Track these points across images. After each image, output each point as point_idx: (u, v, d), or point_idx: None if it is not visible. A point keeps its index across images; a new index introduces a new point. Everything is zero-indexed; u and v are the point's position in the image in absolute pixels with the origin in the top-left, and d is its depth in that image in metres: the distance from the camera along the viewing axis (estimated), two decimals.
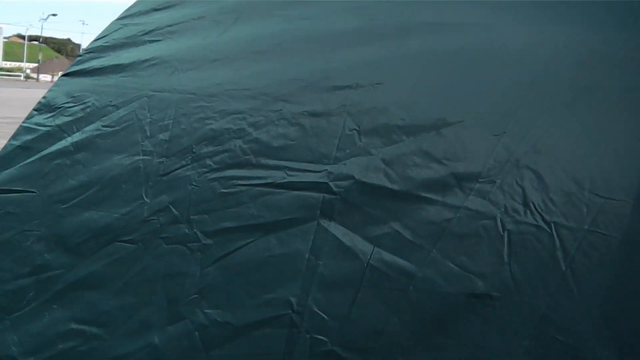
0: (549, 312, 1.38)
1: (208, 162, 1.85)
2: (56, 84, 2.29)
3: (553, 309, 1.37)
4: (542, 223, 1.43)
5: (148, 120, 2.01)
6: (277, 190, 1.72)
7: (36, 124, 2.21)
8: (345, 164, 1.68)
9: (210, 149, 1.87)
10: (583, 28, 1.75)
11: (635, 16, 1.74)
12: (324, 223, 1.64)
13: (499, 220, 1.47)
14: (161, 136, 1.96)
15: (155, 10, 2.34)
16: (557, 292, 1.38)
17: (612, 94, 1.54)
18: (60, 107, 2.21)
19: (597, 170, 1.46)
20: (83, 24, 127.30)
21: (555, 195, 1.45)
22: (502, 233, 1.46)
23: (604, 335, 1.35)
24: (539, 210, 1.44)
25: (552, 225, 1.43)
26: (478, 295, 1.43)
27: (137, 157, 1.97)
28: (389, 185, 1.61)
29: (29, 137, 2.20)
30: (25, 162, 2.15)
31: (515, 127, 1.56)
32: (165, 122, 1.98)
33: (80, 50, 2.36)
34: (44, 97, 2.28)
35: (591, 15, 1.79)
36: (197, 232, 1.78)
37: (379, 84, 1.77)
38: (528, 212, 1.45)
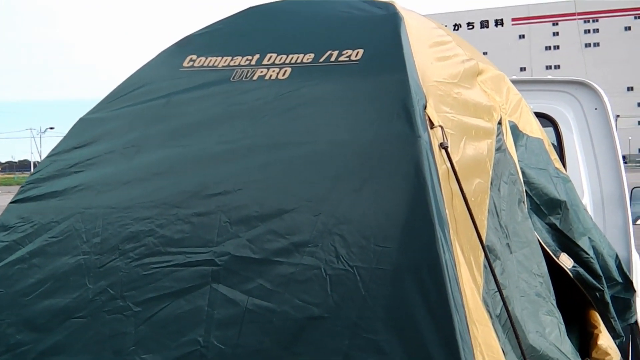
0: (357, 320, 2.04)
1: (131, 254, 2.43)
2: (7, 210, 2.77)
3: (360, 318, 2.04)
4: (347, 267, 2.13)
5: (83, 230, 2.56)
6: (181, 268, 2.34)
7: None
8: (223, 245, 2.32)
9: (131, 245, 2.45)
10: (360, 127, 2.48)
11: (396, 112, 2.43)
12: (214, 285, 2.27)
13: (322, 269, 2.16)
14: (94, 240, 2.52)
15: (75, 148, 2.87)
16: (361, 308, 2.06)
17: (383, 180, 2.33)
18: (13, 227, 2.70)
19: (376, 229, 2.18)
20: None
21: (354, 248, 2.15)
22: (324, 276, 2.14)
23: (390, 328, 2.02)
24: (345, 259, 2.14)
25: (354, 267, 2.12)
26: (315, 317, 2.10)
27: (78, 257, 2.51)
28: (252, 255, 2.28)
29: None
30: None
31: (327, 208, 2.27)
32: (96, 230, 2.53)
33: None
34: None
35: (362, 114, 2.52)
36: (129, 304, 2.34)
37: (240, 189, 2.44)
38: (339, 261, 2.14)
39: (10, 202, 2.82)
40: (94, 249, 2.52)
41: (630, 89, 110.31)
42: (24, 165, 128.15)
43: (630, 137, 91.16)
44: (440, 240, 2.08)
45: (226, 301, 2.25)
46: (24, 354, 2.44)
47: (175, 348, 2.24)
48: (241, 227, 2.36)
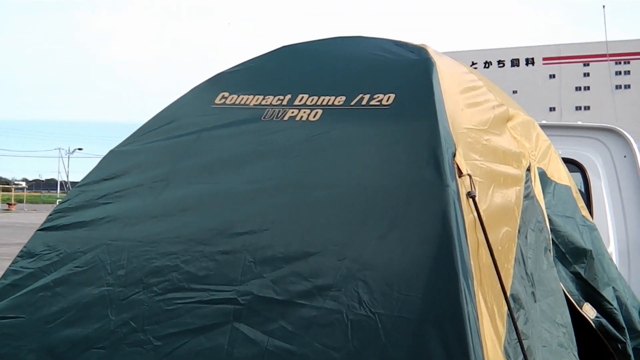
0: None
1: (154, 288, 2.45)
2: (34, 237, 2.82)
3: None
4: (369, 313, 2.13)
5: (108, 261, 2.59)
6: (203, 305, 2.35)
7: (21, 267, 2.74)
8: (247, 285, 2.34)
9: (155, 279, 2.47)
10: (389, 172, 2.51)
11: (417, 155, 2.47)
12: (236, 324, 2.27)
13: (344, 314, 2.16)
14: (119, 272, 2.54)
15: (105, 180, 2.91)
16: (381, 355, 2.06)
17: (410, 227, 2.34)
18: (39, 254, 2.74)
19: (400, 277, 2.19)
20: None
21: (377, 295, 2.16)
22: (346, 321, 2.15)
23: None
24: (367, 305, 2.14)
25: (376, 314, 2.12)
26: None
27: (102, 288, 2.53)
28: (275, 297, 2.29)
29: (16, 277, 2.72)
30: (14, 295, 2.66)
31: (351, 253, 2.29)
32: (121, 262, 2.56)
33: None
34: (24, 247, 2.81)
35: (391, 160, 2.54)
36: (150, 337, 2.36)
37: (266, 230, 2.45)
38: (361, 307, 2.15)
39: (38, 230, 2.87)
40: (118, 281, 2.54)
41: None
42: (50, 184, 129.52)
43: None
44: (464, 292, 2.08)
45: (247, 341, 2.25)
46: None
47: None
48: (265, 268, 2.37)
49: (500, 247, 2.48)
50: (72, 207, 2.88)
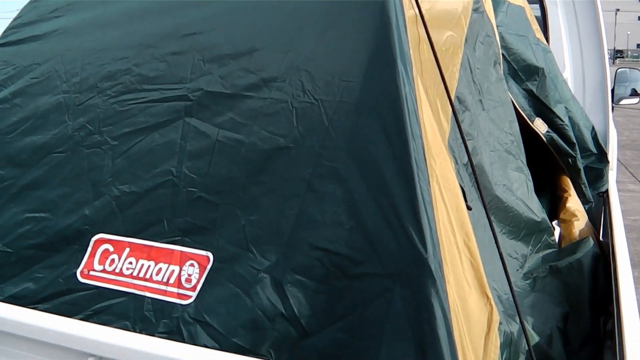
0: (320, 150, 2.12)
1: (108, 92, 2.53)
2: None
3: (323, 147, 2.12)
4: (313, 100, 2.20)
5: (63, 70, 2.66)
6: (155, 104, 2.43)
7: None
8: (197, 82, 2.41)
9: (109, 83, 2.55)
10: None
11: None
12: (187, 119, 2.36)
13: (289, 102, 2.23)
14: (74, 80, 2.62)
15: None
16: (324, 138, 2.14)
17: (349, 23, 2.33)
18: None
19: (342, 66, 2.23)
20: None
21: (320, 83, 2.22)
22: (291, 109, 2.22)
23: (350, 157, 2.09)
24: (311, 93, 2.21)
25: (319, 100, 2.19)
26: (281, 147, 2.18)
27: (59, 96, 2.61)
28: (224, 90, 2.36)
29: None
30: None
31: (295, 46, 2.34)
32: (75, 70, 2.63)
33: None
34: None
35: None
36: (107, 138, 2.45)
37: (212, 30, 2.50)
38: (305, 95, 2.22)
39: None
40: (73, 88, 2.62)
41: None
42: None
43: (629, 32, 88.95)
44: (402, 75, 2.12)
45: (198, 134, 2.34)
46: (7, 189, 2.57)
47: (149, 179, 2.35)
48: (213, 65, 2.43)
49: (444, 48, 2.51)
50: (25, 23, 2.93)
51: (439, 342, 1.84)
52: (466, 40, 2.80)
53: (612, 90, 4.96)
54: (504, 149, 2.97)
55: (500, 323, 2.13)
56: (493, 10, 3.34)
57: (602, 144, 3.96)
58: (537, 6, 4.82)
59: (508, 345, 2.18)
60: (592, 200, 3.76)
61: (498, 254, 2.21)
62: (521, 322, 2.14)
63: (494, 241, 2.21)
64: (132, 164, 2.40)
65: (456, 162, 2.38)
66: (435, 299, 1.87)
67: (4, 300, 2.33)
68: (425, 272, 1.89)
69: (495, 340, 2.07)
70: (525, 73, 3.50)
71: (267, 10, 2.51)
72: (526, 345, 2.23)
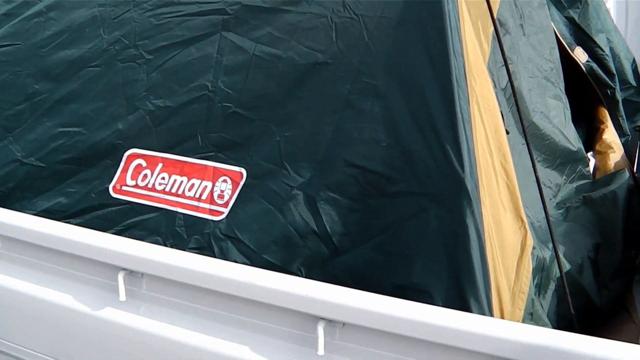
0: (360, 66, 2.10)
1: (144, 5, 2.51)
2: None
3: (362, 64, 2.10)
4: (353, 15, 2.16)
5: None
6: (192, 17, 2.41)
7: None
8: None
9: None
10: None
11: None
12: (224, 34, 2.34)
13: (329, 17, 2.19)
14: None
15: None
16: (364, 54, 2.11)
17: None
18: None
19: None
20: None
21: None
22: (331, 24, 2.18)
23: (391, 74, 2.07)
24: (351, 8, 2.17)
25: (359, 16, 2.15)
26: (320, 62, 2.16)
27: (93, 9, 2.60)
28: (262, 4, 2.32)
29: (9, 6, 2.80)
30: (10, 24, 2.75)
31: None
32: None
33: None
34: None
35: None
36: (142, 52, 2.44)
37: None
38: (345, 10, 2.17)
39: None
40: (109, 1, 2.60)
41: None
42: None
43: None
44: None
45: (235, 48, 2.31)
46: (42, 102, 2.59)
47: (184, 93, 2.35)
48: None
49: None
50: None
51: (472, 264, 1.85)
52: None
53: None
54: (543, 75, 2.92)
55: (534, 248, 2.11)
56: None
57: None
58: None
59: (540, 270, 2.17)
60: (629, 133, 3.69)
61: (534, 181, 2.19)
62: (555, 248, 2.13)
63: (529, 168, 2.18)
64: (167, 78, 2.39)
65: (495, 86, 2.33)
66: (470, 220, 1.87)
67: (37, 214, 2.37)
68: (462, 192, 1.89)
69: (528, 265, 2.06)
70: (568, 0, 3.41)
71: None
72: (558, 272, 2.22)
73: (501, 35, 2.47)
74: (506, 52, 2.45)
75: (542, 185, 2.59)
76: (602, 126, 3.50)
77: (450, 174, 1.90)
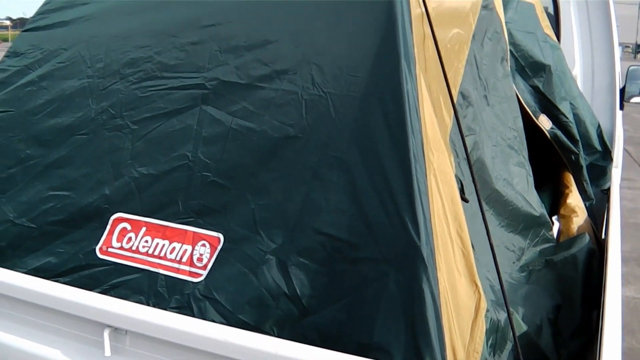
0: (327, 140, 2.24)
1: (130, 78, 2.65)
2: (19, 38, 3.02)
3: (329, 138, 2.24)
4: (321, 93, 2.31)
5: (88, 56, 2.80)
6: (174, 91, 2.56)
7: (8, 65, 2.96)
8: (213, 71, 2.53)
9: (131, 70, 2.67)
10: None
11: None
12: (204, 107, 2.48)
13: (299, 94, 2.34)
14: (98, 65, 2.75)
15: None
16: (331, 129, 2.25)
17: (357, 17, 2.46)
18: (24, 53, 2.96)
19: (349, 61, 2.34)
20: None
21: (328, 77, 2.33)
22: (301, 100, 2.33)
23: (355, 148, 2.20)
24: (320, 86, 2.32)
25: (327, 93, 2.30)
26: (291, 136, 2.30)
27: (83, 80, 2.75)
28: (239, 81, 2.47)
29: (3, 75, 2.95)
30: (3, 91, 2.90)
31: (306, 40, 2.46)
32: (100, 56, 2.76)
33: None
34: (10, 47, 3.02)
35: None
36: (128, 122, 2.58)
37: (230, 22, 2.62)
38: (314, 88, 2.33)
39: (22, 31, 3.06)
40: (97, 73, 2.75)
41: None
42: None
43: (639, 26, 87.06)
44: (405, 72, 2.23)
45: (213, 121, 2.46)
46: (33, 166, 2.70)
47: (166, 162, 2.48)
48: (230, 55, 2.55)
49: (449, 46, 2.60)
50: (53, 9, 3.06)
51: (428, 324, 1.96)
52: (474, 36, 2.88)
53: (623, 88, 5.00)
54: (506, 143, 3.06)
55: (487, 310, 2.24)
56: (503, 7, 3.41)
57: (608, 142, 4.04)
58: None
59: (494, 331, 2.30)
60: (593, 197, 3.84)
61: (497, 245, 2.32)
62: (507, 310, 2.26)
63: (492, 233, 2.32)
64: (150, 147, 2.52)
65: (457, 156, 2.47)
66: (426, 285, 1.99)
67: (28, 272, 2.46)
68: (418, 258, 2.01)
69: (482, 326, 2.19)
70: (532, 69, 3.58)
71: (281, 6, 2.63)
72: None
73: (464, 107, 2.63)
74: (469, 123, 2.62)
75: (505, 250, 2.74)
76: (566, 190, 3.64)
77: (408, 242, 2.03)
